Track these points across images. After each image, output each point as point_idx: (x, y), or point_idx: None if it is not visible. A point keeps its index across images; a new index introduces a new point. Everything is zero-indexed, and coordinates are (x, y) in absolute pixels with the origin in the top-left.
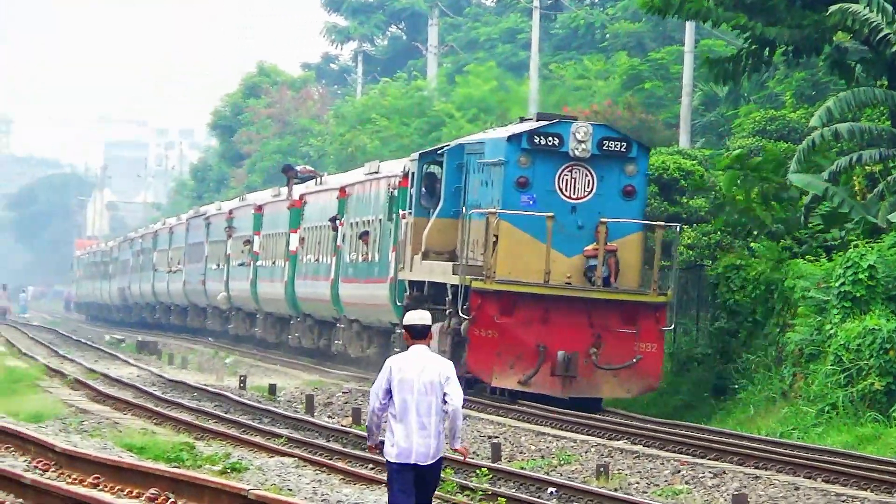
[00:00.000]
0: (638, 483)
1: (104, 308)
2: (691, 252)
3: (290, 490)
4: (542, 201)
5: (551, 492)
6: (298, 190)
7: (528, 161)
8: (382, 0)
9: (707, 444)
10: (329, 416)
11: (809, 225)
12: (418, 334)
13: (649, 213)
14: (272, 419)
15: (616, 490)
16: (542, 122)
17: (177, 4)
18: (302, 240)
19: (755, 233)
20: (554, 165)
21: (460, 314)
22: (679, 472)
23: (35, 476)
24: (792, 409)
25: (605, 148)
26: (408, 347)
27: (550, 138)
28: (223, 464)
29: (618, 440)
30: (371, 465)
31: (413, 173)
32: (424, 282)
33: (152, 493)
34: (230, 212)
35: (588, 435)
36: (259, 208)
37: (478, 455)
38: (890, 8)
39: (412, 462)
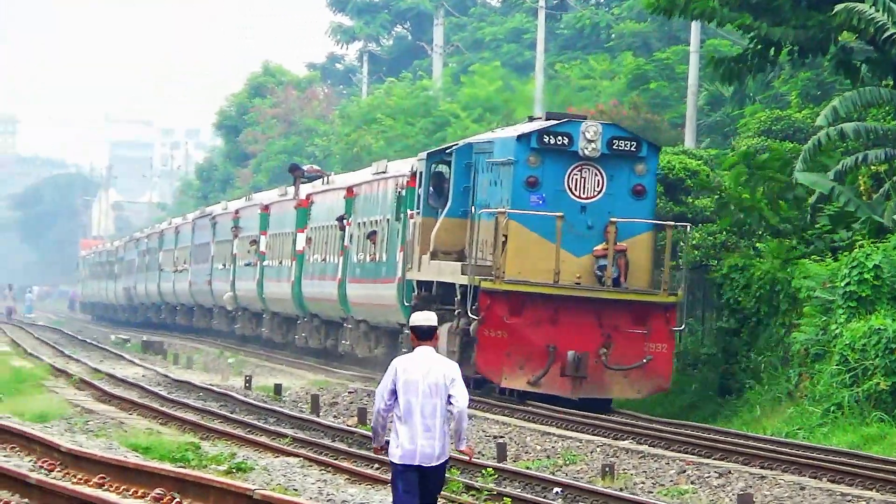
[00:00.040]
0: (643, 483)
1: (109, 308)
2: (696, 252)
3: (296, 490)
4: (552, 201)
5: (556, 492)
6: (305, 189)
7: (537, 160)
8: (388, 0)
9: (712, 444)
10: (334, 416)
11: (817, 226)
12: (424, 335)
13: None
14: (277, 419)
15: (621, 490)
16: (552, 122)
17: (177, 4)
18: (309, 239)
19: (760, 232)
20: (563, 165)
21: (469, 314)
22: (684, 471)
23: (40, 476)
24: (797, 409)
25: (614, 147)
26: (414, 348)
27: (560, 137)
28: (228, 464)
29: (623, 440)
30: (376, 465)
31: (421, 173)
32: (433, 282)
33: (158, 493)
34: (236, 211)
35: (593, 435)
36: (266, 208)
37: (483, 455)
38: None
39: (416, 463)
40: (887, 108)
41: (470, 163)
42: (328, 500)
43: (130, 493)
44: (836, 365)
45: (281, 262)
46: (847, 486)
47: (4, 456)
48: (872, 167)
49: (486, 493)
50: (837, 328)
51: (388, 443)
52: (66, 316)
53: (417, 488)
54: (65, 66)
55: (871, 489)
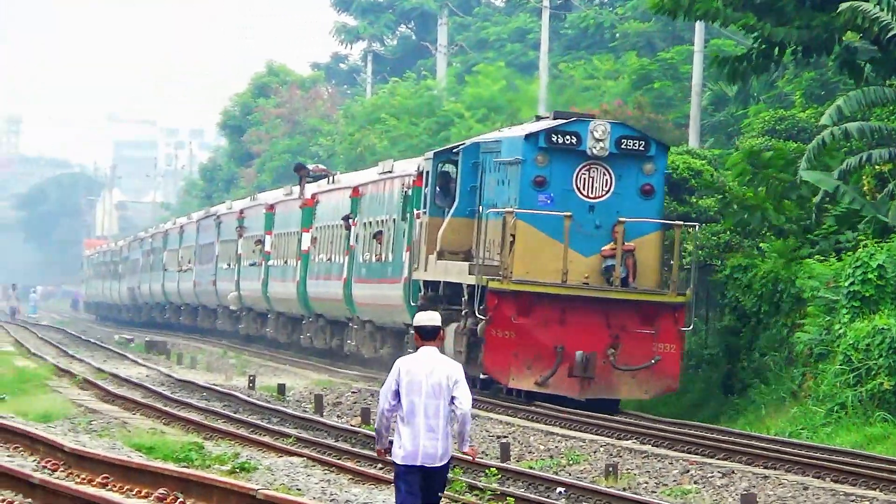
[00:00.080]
0: (647, 483)
1: (113, 308)
2: (700, 252)
3: (299, 490)
4: (560, 200)
5: (560, 491)
6: (310, 189)
7: (545, 160)
8: (392, 0)
9: (716, 444)
10: (338, 416)
11: (823, 226)
12: (428, 335)
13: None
14: (281, 419)
15: (625, 490)
16: (560, 121)
17: (177, 4)
18: (314, 239)
19: (763, 232)
20: (571, 164)
21: (477, 315)
22: (688, 471)
23: (44, 476)
24: (801, 408)
25: (623, 146)
26: (418, 349)
27: (568, 137)
28: (232, 464)
29: (627, 440)
30: (380, 465)
31: (427, 172)
32: (439, 282)
33: (161, 493)
34: (241, 211)
35: (597, 435)
36: (271, 207)
37: (487, 455)
38: None
39: (419, 464)
40: (891, 108)
41: (477, 162)
42: (331, 500)
43: (134, 493)
44: (840, 365)
45: (286, 262)
46: (850, 486)
47: (8, 456)
48: (876, 167)
49: (489, 493)
50: (841, 328)
51: (391, 443)
52: (70, 316)
53: (420, 488)
54: (65, 66)
55: (874, 489)
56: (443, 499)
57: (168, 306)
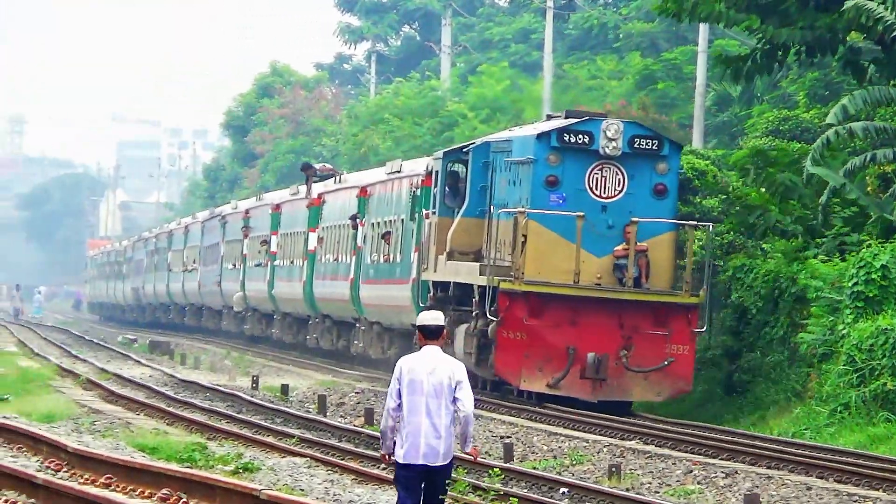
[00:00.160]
0: (650, 483)
1: (117, 308)
2: (704, 252)
3: (302, 490)
4: (572, 200)
5: (563, 492)
6: (317, 188)
7: (557, 159)
8: (396, 0)
9: (719, 444)
10: (341, 417)
11: (834, 228)
12: (431, 334)
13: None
14: (284, 419)
15: (628, 490)
16: (572, 120)
17: (177, 4)
18: (321, 239)
19: (766, 232)
20: (584, 164)
21: (488, 316)
22: (691, 472)
23: (47, 476)
24: (804, 409)
25: (636, 146)
26: (421, 347)
27: (580, 136)
28: (235, 464)
29: (630, 440)
30: (383, 466)
31: (437, 172)
32: (449, 283)
33: (164, 494)
34: (246, 211)
35: (600, 435)
36: (277, 207)
37: (490, 455)
38: None
39: (420, 463)
40: (895, 108)
41: (487, 162)
42: (335, 501)
43: (137, 493)
44: (844, 365)
45: (292, 262)
46: (854, 487)
47: (11, 456)
48: (880, 167)
49: (492, 493)
50: (845, 328)
51: (394, 444)
52: (73, 316)
53: (420, 488)
54: (66, 66)
55: (877, 489)
56: (446, 499)
57: (172, 307)
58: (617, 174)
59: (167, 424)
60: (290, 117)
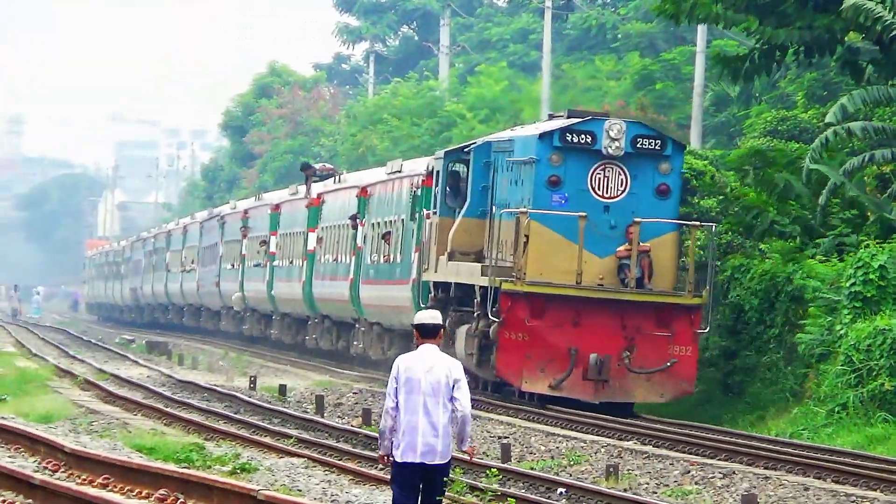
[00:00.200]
0: (648, 483)
1: (115, 309)
2: (701, 252)
3: (300, 491)
4: (574, 200)
5: (561, 492)
6: (316, 188)
7: (559, 159)
8: (394, 0)
9: (717, 445)
10: (339, 417)
11: (836, 229)
12: (428, 333)
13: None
14: (282, 420)
15: (626, 490)
16: (574, 119)
17: (177, 4)
18: (320, 239)
19: (766, 233)
20: (586, 164)
21: (489, 316)
22: (689, 472)
23: (45, 477)
24: (802, 409)
25: (638, 146)
26: (418, 346)
27: (583, 136)
28: (233, 464)
29: (627, 440)
30: (380, 466)
31: (438, 172)
32: (450, 283)
33: (162, 494)
34: (245, 211)
35: (598, 435)
36: (276, 207)
37: (487, 455)
38: None
39: (418, 461)
40: (894, 108)
41: (489, 161)
42: (332, 501)
43: (134, 493)
44: (841, 365)
45: (291, 262)
46: (851, 487)
47: (9, 456)
48: (878, 167)
49: (490, 493)
50: (842, 328)
51: (393, 444)
52: (71, 317)
53: (417, 487)
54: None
55: (875, 490)
56: (443, 500)
57: (171, 307)
58: (619, 174)
59: (165, 425)
60: (289, 117)
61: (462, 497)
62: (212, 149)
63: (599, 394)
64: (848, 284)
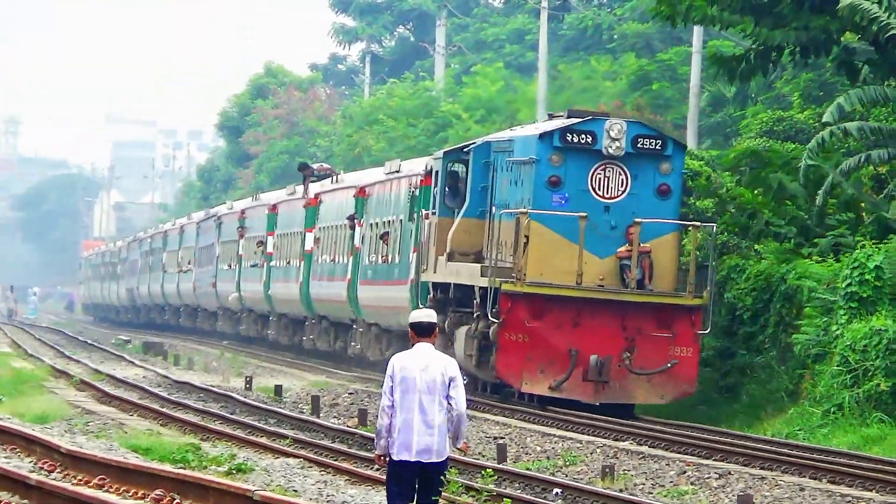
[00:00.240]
0: (643, 484)
1: (111, 309)
2: (698, 253)
3: (296, 491)
4: (575, 201)
5: (557, 492)
6: (314, 189)
7: (559, 159)
8: (390, 1)
9: (712, 445)
10: (335, 418)
11: (835, 231)
12: (423, 332)
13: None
14: (278, 420)
15: (621, 491)
16: (574, 119)
17: (177, 4)
18: (317, 239)
19: (762, 235)
20: (587, 164)
21: (489, 317)
22: (684, 472)
23: (40, 477)
24: (798, 409)
25: (639, 146)
26: (413, 345)
27: (583, 136)
28: (229, 465)
29: (623, 441)
30: (376, 466)
31: (437, 172)
32: (449, 284)
33: (158, 494)
34: (242, 211)
35: (593, 436)
36: (273, 207)
37: (483, 456)
38: None
39: (414, 459)
40: (891, 108)
41: (488, 162)
42: (328, 501)
43: (130, 494)
44: (837, 366)
45: (289, 263)
46: (847, 487)
47: (5, 457)
48: (875, 168)
49: (485, 493)
50: (838, 329)
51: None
52: (67, 317)
53: (412, 486)
54: (65, 66)
55: (871, 490)
56: (439, 500)
57: (167, 308)
58: (620, 174)
59: (161, 425)
60: (285, 118)
61: (458, 497)
62: (208, 149)
63: (600, 395)
64: (844, 285)
